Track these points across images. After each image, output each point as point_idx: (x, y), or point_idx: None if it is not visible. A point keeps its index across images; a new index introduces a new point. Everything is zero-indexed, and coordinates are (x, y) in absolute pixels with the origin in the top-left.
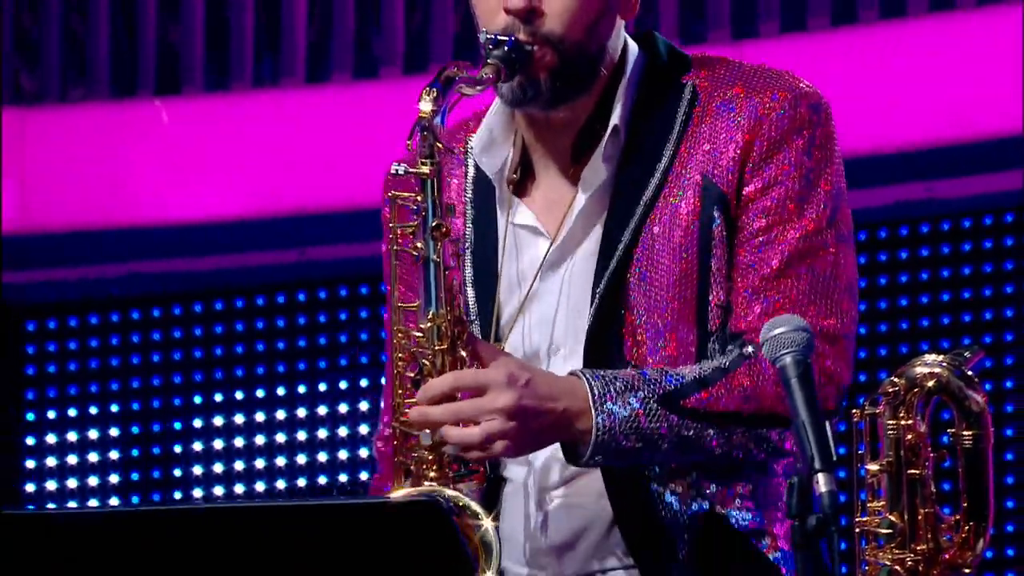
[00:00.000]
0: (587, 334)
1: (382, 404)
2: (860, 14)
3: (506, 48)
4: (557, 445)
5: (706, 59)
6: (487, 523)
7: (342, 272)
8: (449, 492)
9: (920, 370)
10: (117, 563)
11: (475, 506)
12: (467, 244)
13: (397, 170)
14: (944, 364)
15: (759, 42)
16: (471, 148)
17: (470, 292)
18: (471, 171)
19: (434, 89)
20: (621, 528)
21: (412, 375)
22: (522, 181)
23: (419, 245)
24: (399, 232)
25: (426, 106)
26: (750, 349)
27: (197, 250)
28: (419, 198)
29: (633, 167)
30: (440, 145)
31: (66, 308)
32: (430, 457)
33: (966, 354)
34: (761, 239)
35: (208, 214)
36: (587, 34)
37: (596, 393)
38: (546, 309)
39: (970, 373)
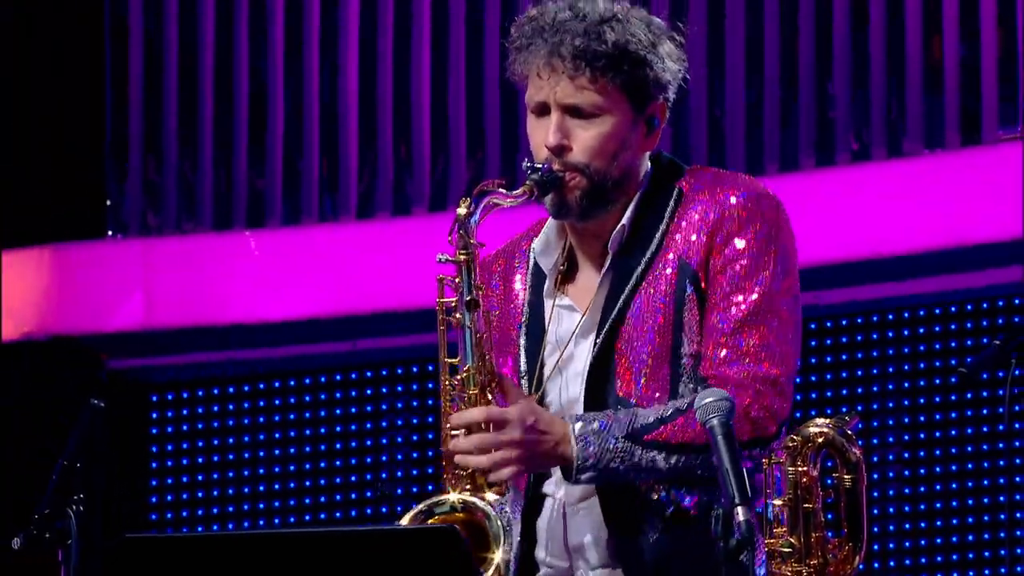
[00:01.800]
0: (587, 372)
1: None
2: (837, 159)
3: (540, 174)
4: None
5: (696, 168)
6: (495, 520)
7: (385, 358)
8: (469, 497)
9: (812, 430)
10: (217, 574)
11: (488, 508)
12: (524, 319)
13: (440, 258)
14: (830, 426)
15: (762, 178)
16: (534, 248)
17: (523, 356)
18: (531, 265)
19: (468, 198)
20: (609, 530)
21: (454, 413)
22: (569, 271)
23: (457, 316)
24: (443, 305)
25: (462, 210)
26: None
27: (276, 341)
28: (457, 280)
29: (630, 254)
30: (473, 241)
31: (179, 385)
32: (465, 474)
33: (846, 418)
34: (722, 304)
35: (284, 315)
36: (607, 163)
37: (576, 431)
38: (578, 366)
39: (849, 432)
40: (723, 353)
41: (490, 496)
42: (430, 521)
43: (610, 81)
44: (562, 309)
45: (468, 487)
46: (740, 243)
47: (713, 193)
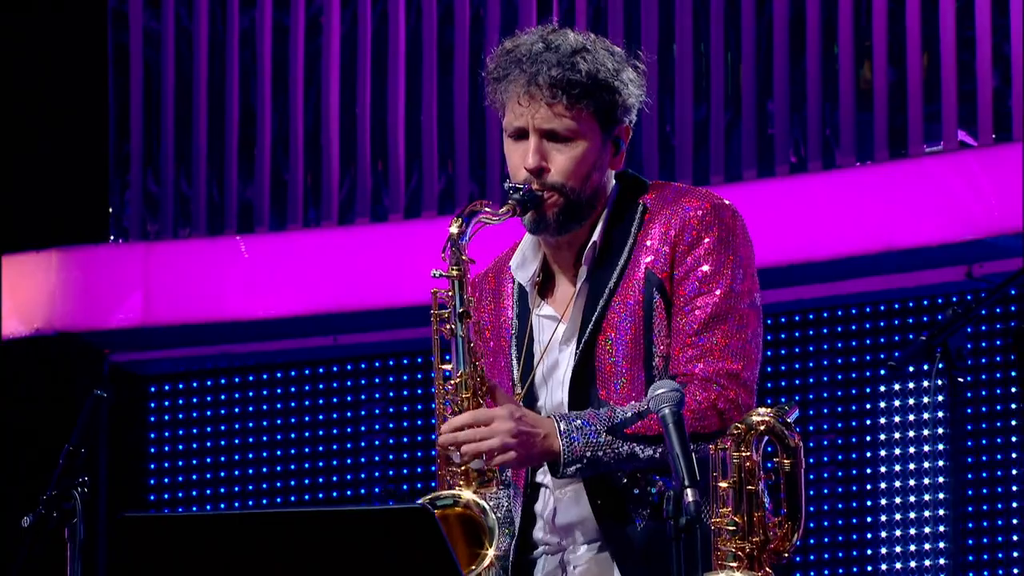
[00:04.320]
0: (568, 380)
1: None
2: (776, 171)
3: (521, 193)
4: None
5: (658, 184)
6: (491, 515)
7: (363, 352)
8: (467, 494)
9: (755, 418)
10: (208, 550)
11: (485, 503)
12: (514, 331)
13: (434, 273)
14: (771, 415)
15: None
16: (511, 264)
17: (515, 366)
18: (516, 281)
19: (460, 218)
20: (596, 515)
21: (448, 415)
22: (546, 282)
23: (450, 326)
24: (437, 316)
25: (454, 229)
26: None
27: (265, 336)
28: (450, 293)
29: (602, 268)
30: (464, 257)
31: (175, 377)
32: (460, 471)
33: (786, 408)
34: (687, 308)
35: (272, 313)
36: (581, 183)
37: (562, 429)
38: (561, 372)
39: (788, 420)
40: (689, 352)
41: (482, 492)
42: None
43: (584, 108)
44: (543, 318)
45: (462, 483)
46: (700, 251)
47: (674, 206)
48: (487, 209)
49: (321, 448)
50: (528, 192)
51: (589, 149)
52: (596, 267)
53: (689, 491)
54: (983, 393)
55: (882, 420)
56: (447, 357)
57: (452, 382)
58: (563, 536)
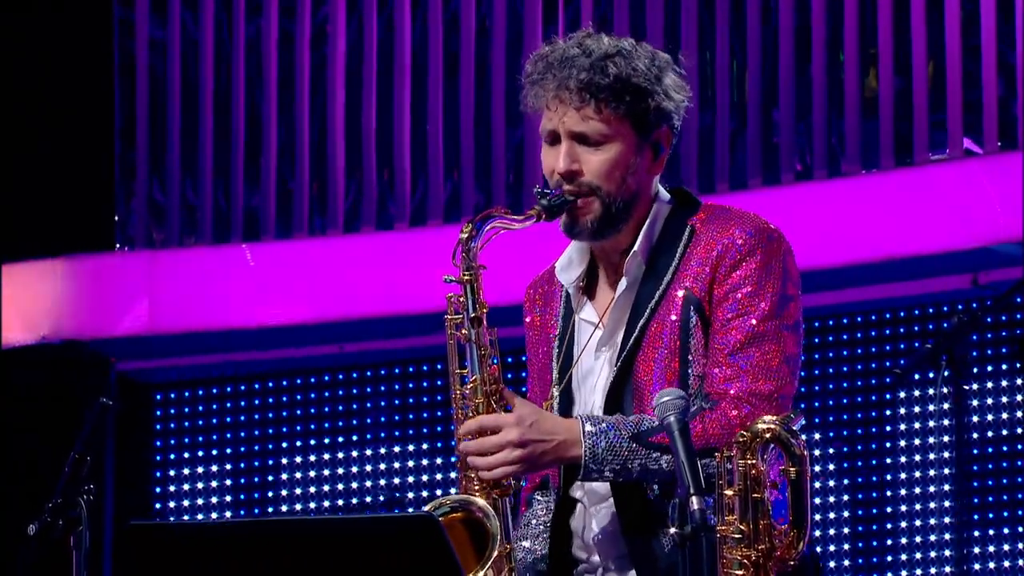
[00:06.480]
0: (606, 394)
1: None
2: (782, 179)
3: (549, 198)
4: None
5: (708, 205)
6: (494, 520)
7: (369, 360)
8: (470, 498)
9: (761, 426)
10: (214, 559)
11: (489, 509)
12: (558, 332)
13: (446, 278)
14: (776, 422)
15: (712, 196)
16: (556, 266)
17: (555, 368)
18: (565, 287)
19: (471, 224)
20: (623, 529)
21: (464, 419)
22: (592, 283)
23: (464, 331)
24: (452, 322)
25: (464, 234)
26: (707, 404)
27: (270, 345)
28: (462, 298)
29: (646, 285)
30: (475, 263)
31: (181, 385)
32: (474, 476)
33: (791, 415)
34: (724, 329)
35: (277, 320)
36: (617, 186)
37: (586, 431)
38: (595, 377)
39: (795, 428)
40: (725, 372)
41: (496, 496)
42: None
43: (613, 111)
44: (584, 322)
45: (477, 488)
46: (741, 274)
47: (720, 229)
48: (506, 216)
49: (327, 456)
50: (556, 196)
51: (622, 152)
52: (638, 282)
53: (694, 499)
54: (989, 401)
55: (888, 428)
56: (465, 363)
57: (468, 387)
58: (596, 553)
